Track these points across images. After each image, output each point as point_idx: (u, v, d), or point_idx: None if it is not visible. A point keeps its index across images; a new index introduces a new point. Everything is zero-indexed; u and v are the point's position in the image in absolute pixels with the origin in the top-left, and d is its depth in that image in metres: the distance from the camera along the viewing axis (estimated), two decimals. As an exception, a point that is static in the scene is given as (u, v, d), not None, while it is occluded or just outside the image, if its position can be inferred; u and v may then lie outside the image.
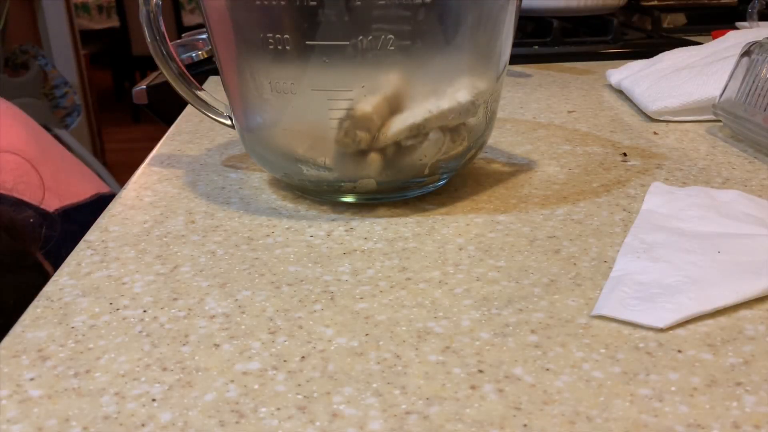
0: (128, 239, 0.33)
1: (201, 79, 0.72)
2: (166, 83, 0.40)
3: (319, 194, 0.37)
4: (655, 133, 0.50)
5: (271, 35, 0.31)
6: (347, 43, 0.31)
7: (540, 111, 0.56)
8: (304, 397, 0.22)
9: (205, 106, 0.40)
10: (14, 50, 1.95)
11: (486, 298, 0.27)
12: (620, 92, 0.61)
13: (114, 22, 3.29)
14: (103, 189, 0.73)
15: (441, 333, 0.25)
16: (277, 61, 0.32)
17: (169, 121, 0.56)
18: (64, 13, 2.18)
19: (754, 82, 0.45)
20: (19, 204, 0.58)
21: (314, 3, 0.30)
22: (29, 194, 0.61)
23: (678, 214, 0.34)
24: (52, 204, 0.63)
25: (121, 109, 3.43)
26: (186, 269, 0.30)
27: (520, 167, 0.43)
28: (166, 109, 0.73)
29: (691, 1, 1.07)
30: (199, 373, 0.23)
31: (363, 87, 0.32)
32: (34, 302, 0.28)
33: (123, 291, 0.28)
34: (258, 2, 0.31)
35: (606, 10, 0.83)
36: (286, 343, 0.25)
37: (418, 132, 0.33)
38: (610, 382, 0.22)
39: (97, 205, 0.68)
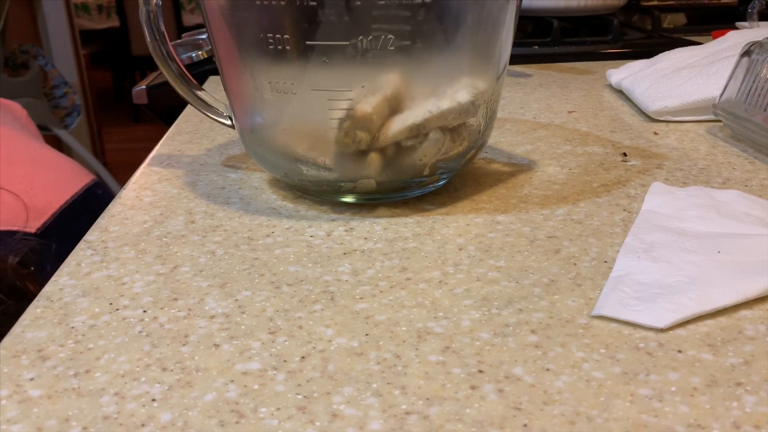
0: (128, 239, 0.33)
1: (201, 79, 0.72)
2: (166, 83, 0.40)
3: (319, 194, 0.37)
4: (655, 133, 0.50)
5: (271, 35, 0.31)
6: (347, 43, 0.31)
7: (540, 111, 0.56)
8: (304, 397, 0.22)
9: (205, 106, 0.40)
10: (14, 50, 1.95)
11: (486, 298, 0.27)
12: (620, 92, 0.61)
13: (114, 22, 3.29)
14: (85, 179, 0.70)
15: (441, 333, 0.25)
16: (277, 61, 0.32)
17: (169, 121, 0.56)
18: (64, 13, 2.17)
19: (754, 82, 0.45)
20: (3, 235, 0.56)
21: (314, 3, 0.30)
22: (12, 218, 0.59)
23: (678, 214, 0.34)
24: (35, 221, 0.61)
25: (121, 109, 3.43)
26: (186, 269, 0.30)
27: (520, 167, 0.43)
28: (166, 109, 0.74)
29: (691, 1, 1.07)
30: (199, 373, 0.23)
31: (363, 87, 0.32)
32: (34, 302, 0.28)
33: (123, 291, 0.28)
34: (258, 2, 0.31)
35: (606, 10, 0.83)
36: (286, 343, 0.25)
37: (418, 132, 0.33)
38: (610, 382, 0.22)
39: (87, 198, 0.65)
